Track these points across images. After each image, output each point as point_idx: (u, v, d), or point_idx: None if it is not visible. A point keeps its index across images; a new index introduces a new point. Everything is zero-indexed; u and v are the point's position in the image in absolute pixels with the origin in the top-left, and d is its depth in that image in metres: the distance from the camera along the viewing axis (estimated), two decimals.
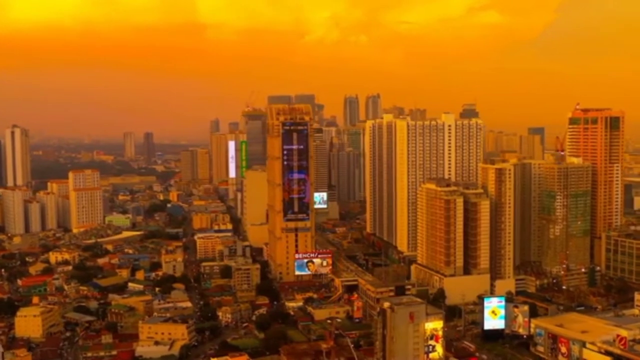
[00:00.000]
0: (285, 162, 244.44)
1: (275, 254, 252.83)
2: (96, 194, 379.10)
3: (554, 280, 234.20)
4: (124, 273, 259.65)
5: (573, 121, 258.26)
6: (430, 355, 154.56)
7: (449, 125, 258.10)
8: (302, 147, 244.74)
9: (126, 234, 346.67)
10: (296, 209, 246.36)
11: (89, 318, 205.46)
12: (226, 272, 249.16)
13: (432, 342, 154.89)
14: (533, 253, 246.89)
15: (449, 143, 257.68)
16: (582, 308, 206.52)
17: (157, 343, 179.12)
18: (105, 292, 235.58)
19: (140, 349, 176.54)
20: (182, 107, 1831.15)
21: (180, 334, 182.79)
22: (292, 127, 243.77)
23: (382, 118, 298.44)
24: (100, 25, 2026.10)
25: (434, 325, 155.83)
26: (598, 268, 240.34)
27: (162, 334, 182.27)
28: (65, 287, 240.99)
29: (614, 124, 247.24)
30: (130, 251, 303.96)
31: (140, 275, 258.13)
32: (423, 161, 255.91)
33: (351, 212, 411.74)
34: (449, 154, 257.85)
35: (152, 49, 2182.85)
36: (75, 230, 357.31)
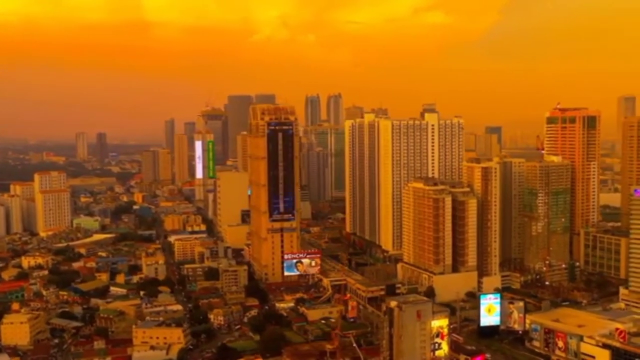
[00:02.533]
0: (270, 162, 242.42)
1: (260, 255, 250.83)
2: (63, 196, 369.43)
3: (537, 276, 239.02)
4: (103, 277, 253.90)
5: (550, 120, 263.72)
6: (436, 352, 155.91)
7: (432, 125, 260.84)
8: (287, 147, 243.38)
9: (97, 236, 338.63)
10: (282, 210, 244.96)
11: (76, 324, 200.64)
12: (211, 274, 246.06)
13: (438, 340, 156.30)
14: (514, 250, 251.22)
15: (432, 142, 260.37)
16: (567, 303, 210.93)
17: (152, 348, 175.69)
18: (87, 296, 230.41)
19: (137, 354, 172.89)
20: (133, 106, 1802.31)
21: (176, 337, 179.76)
22: (277, 127, 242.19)
23: (362, 117, 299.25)
24: (43, 23, 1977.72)
25: (440, 323, 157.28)
26: (577, 264, 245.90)
27: (157, 338, 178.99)
28: (44, 292, 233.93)
29: (591, 123, 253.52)
30: (104, 254, 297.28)
31: (120, 278, 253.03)
32: (407, 160, 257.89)
33: (322, 212, 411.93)
34: (432, 152, 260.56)
35: (99, 47, 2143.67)
36: (42, 234, 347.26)
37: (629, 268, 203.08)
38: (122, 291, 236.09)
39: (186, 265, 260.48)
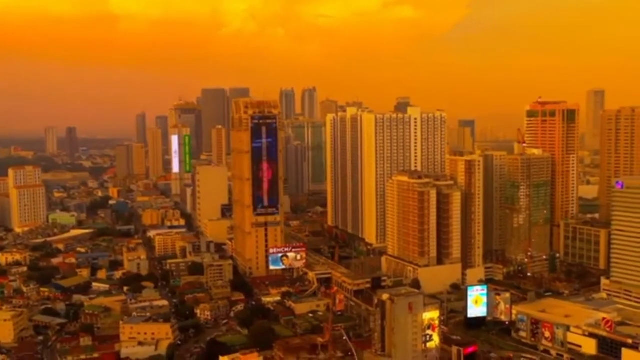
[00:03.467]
0: (254, 156, 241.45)
1: (244, 249, 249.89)
2: (39, 192, 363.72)
3: (519, 268, 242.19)
4: (84, 273, 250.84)
5: (531, 114, 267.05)
6: (428, 344, 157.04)
7: (415, 118, 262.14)
8: (271, 140, 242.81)
9: (74, 232, 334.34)
10: (266, 203, 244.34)
11: (60, 320, 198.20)
12: (194, 268, 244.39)
13: (429, 332, 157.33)
14: (495, 242, 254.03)
15: (415, 136, 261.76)
16: (550, 294, 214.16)
17: (140, 343, 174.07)
18: (68, 293, 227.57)
19: (125, 350, 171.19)
20: (102, 100, 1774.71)
21: (165, 333, 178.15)
22: (261, 121, 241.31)
23: (337, 111, 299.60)
24: (10, 15, 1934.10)
25: (431, 315, 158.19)
26: (558, 255, 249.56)
27: (145, 334, 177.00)
28: (24, 289, 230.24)
29: (570, 116, 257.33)
30: (83, 250, 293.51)
31: (102, 274, 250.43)
32: (390, 154, 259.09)
33: (301, 206, 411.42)
34: (415, 146, 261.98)
35: (66, 41, 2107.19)
36: (18, 230, 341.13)
37: (611, 259, 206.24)
38: (104, 287, 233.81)
39: (169, 261, 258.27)
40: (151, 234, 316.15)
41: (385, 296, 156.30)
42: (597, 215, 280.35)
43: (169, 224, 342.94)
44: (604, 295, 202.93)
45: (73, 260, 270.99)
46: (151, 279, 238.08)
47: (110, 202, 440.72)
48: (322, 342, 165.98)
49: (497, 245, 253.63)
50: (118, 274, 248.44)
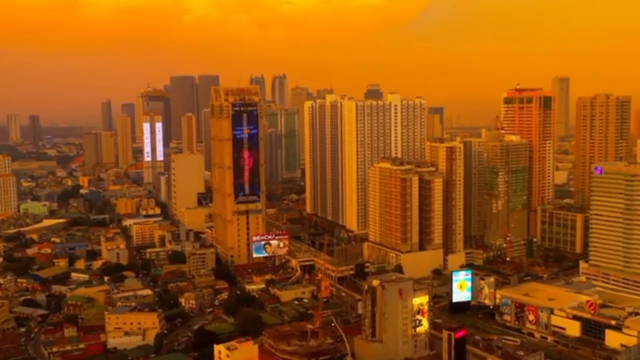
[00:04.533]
0: (235, 144, 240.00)
1: (225, 238, 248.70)
2: (9, 181, 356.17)
3: (499, 253, 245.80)
4: (62, 263, 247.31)
5: (508, 100, 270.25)
6: (417, 329, 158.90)
7: (395, 105, 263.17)
8: (252, 128, 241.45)
9: (47, 222, 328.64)
10: (247, 191, 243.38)
11: (41, 312, 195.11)
12: (175, 257, 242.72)
13: (418, 317, 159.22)
14: (474, 227, 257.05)
15: (395, 122, 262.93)
16: (529, 278, 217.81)
17: (127, 333, 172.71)
18: (47, 283, 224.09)
19: (112, 341, 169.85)
20: (64, 88, 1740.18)
21: (151, 322, 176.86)
22: (242, 108, 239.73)
23: (317, 98, 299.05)
24: None
25: (420, 300, 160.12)
26: (535, 239, 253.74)
27: (132, 323, 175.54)
28: (1, 280, 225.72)
29: (546, 103, 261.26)
30: (58, 240, 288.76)
31: (80, 264, 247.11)
32: (371, 140, 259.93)
33: (275, 194, 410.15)
34: (395, 133, 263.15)
35: (26, 26, 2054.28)
36: None
37: (590, 243, 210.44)
38: (84, 277, 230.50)
39: (148, 250, 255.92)
40: (127, 223, 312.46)
41: (375, 282, 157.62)
42: (568, 200, 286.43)
43: (144, 212, 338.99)
44: (583, 278, 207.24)
45: (49, 250, 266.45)
46: (132, 269, 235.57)
47: (82, 191, 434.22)
48: (312, 328, 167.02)
49: (475, 230, 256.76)
50: (97, 264, 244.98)
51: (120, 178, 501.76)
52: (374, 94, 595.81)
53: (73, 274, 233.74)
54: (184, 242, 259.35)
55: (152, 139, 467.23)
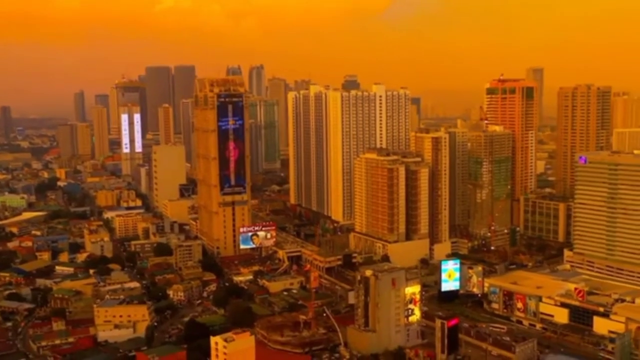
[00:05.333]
0: (221, 135, 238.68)
1: (211, 229, 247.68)
2: None
3: (483, 242, 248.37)
4: (45, 256, 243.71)
5: (490, 91, 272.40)
6: (410, 318, 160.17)
7: (380, 96, 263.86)
8: (237, 119, 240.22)
9: (26, 215, 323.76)
10: (233, 183, 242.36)
11: (27, 306, 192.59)
12: (160, 249, 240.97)
13: (411, 306, 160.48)
14: (458, 217, 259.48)
15: (380, 113, 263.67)
16: (514, 266, 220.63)
17: (117, 326, 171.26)
18: (31, 277, 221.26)
19: (102, 334, 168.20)
20: (34, 79, 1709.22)
21: (141, 315, 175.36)
22: (227, 99, 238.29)
23: (304, 89, 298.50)
24: None
25: (413, 289, 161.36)
26: (518, 228, 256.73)
27: (121, 316, 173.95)
28: None
29: (529, 93, 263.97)
30: (39, 233, 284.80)
31: (64, 257, 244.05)
32: (356, 131, 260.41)
33: (256, 185, 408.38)
34: (380, 123, 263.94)
35: None
36: None
37: (573, 231, 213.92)
38: (68, 270, 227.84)
39: (133, 242, 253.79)
40: (108, 215, 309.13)
41: (368, 272, 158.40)
42: (548, 189, 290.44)
43: (125, 204, 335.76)
44: (567, 266, 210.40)
45: (30, 243, 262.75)
46: (117, 261, 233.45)
47: (59, 183, 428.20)
48: (304, 319, 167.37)
49: (459, 220, 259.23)
50: (81, 257, 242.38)
51: (98, 170, 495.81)
52: (351, 84, 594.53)
53: (57, 267, 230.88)
54: (169, 234, 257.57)
55: (130, 130, 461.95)
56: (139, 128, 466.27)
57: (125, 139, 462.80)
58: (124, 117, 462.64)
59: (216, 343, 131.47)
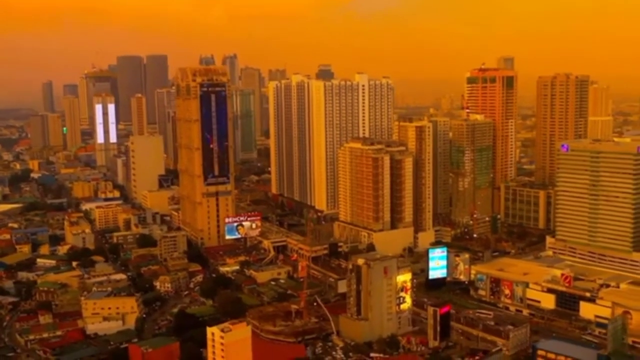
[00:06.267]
0: (204, 125, 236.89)
1: (194, 220, 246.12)
2: None
3: (466, 230, 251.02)
4: (25, 249, 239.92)
5: (471, 80, 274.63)
6: (401, 306, 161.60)
7: (363, 85, 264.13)
8: (220, 109, 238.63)
9: (2, 207, 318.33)
10: (217, 173, 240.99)
11: (11, 299, 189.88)
12: (143, 241, 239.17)
13: (402, 294, 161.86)
14: (440, 205, 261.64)
15: (363, 102, 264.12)
16: (497, 253, 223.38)
17: (106, 319, 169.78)
18: (12, 270, 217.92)
19: (91, 326, 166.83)
20: (2, 68, 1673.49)
21: (130, 307, 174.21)
22: (210, 89, 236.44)
23: (288, 79, 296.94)
24: None
25: (404, 277, 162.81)
26: (499, 216, 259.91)
27: (110, 308, 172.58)
28: None
29: (509, 82, 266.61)
30: (16, 225, 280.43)
31: (44, 250, 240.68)
32: (339, 121, 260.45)
33: (234, 175, 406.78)
34: (363, 113, 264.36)
35: None
36: None
37: (556, 218, 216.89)
38: (50, 263, 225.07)
39: (115, 234, 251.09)
40: (87, 206, 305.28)
41: (361, 261, 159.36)
42: (525, 177, 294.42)
43: (103, 196, 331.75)
44: (550, 253, 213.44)
45: (8, 236, 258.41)
46: (99, 253, 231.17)
47: (33, 175, 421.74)
48: (296, 308, 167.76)
49: (441, 208, 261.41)
50: (63, 249, 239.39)
51: (71, 161, 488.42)
52: (325, 74, 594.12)
53: (39, 260, 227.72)
54: (152, 225, 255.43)
55: (104, 120, 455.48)
56: (113, 119, 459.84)
57: (99, 129, 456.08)
58: (98, 107, 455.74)
59: (212, 334, 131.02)
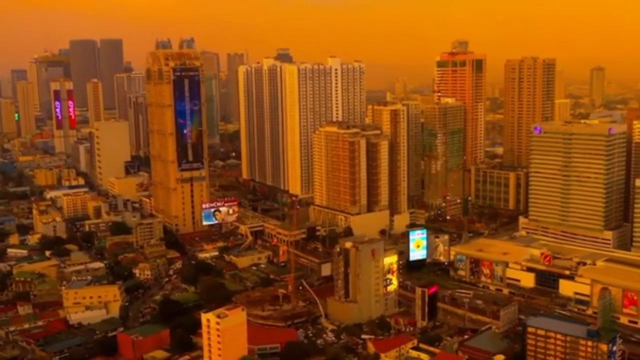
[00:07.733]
0: (177, 110, 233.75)
1: (168, 206, 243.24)
2: None
3: (439, 212, 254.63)
4: None
5: (441, 64, 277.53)
6: (388, 288, 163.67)
7: (336, 69, 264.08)
8: (194, 93, 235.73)
9: None
10: (191, 158, 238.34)
11: None
12: (117, 228, 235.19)
13: (389, 276, 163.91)
14: (412, 188, 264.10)
15: (336, 86, 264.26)
16: (471, 234, 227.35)
17: (88, 308, 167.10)
18: None
19: (74, 316, 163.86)
20: None
21: (112, 295, 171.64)
22: (183, 74, 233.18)
23: (259, 62, 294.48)
24: None
25: (390, 259, 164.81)
26: (470, 198, 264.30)
27: (92, 297, 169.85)
28: None
29: (478, 66, 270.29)
30: None
31: (14, 239, 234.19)
32: (313, 104, 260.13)
33: None
34: (336, 96, 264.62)
35: None
36: None
37: (529, 199, 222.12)
38: (22, 252, 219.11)
39: (87, 222, 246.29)
40: (52, 194, 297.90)
41: (348, 244, 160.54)
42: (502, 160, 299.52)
43: (67, 183, 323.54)
44: (523, 233, 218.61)
45: None
46: (72, 242, 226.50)
47: None
48: (284, 292, 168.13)
49: (414, 191, 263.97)
50: (33, 239, 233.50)
51: (28, 148, 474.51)
52: (284, 57, 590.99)
53: (9, 250, 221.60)
54: (124, 212, 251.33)
55: (63, 106, 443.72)
56: (72, 103, 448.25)
57: (58, 115, 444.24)
58: (56, 93, 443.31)
59: (208, 320, 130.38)
